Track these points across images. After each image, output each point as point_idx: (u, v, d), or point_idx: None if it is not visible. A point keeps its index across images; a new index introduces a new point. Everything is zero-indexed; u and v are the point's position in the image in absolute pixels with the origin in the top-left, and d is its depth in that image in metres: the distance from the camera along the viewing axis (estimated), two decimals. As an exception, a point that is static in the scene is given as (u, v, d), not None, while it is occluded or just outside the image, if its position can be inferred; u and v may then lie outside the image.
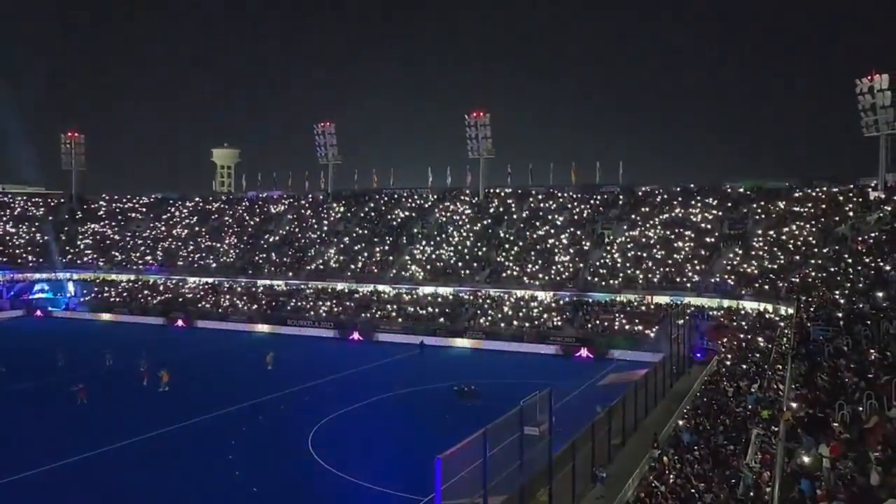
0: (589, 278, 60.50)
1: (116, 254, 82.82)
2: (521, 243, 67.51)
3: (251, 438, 30.78)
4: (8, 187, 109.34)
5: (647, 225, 65.30)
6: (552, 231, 68.10)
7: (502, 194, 76.56)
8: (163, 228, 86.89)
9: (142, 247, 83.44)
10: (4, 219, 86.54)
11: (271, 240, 78.88)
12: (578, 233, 66.78)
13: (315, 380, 42.95)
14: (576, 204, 71.63)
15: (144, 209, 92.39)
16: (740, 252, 58.54)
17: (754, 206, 64.09)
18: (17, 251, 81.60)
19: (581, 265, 62.29)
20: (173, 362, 47.17)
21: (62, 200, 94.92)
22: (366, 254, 71.73)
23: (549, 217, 70.64)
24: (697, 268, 58.27)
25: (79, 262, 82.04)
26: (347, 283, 68.48)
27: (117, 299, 75.10)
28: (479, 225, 72.31)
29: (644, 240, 63.51)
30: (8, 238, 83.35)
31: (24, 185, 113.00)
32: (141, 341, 55.76)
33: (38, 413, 35.18)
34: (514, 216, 72.57)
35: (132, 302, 73.87)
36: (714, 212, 64.92)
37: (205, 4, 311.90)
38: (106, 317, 71.59)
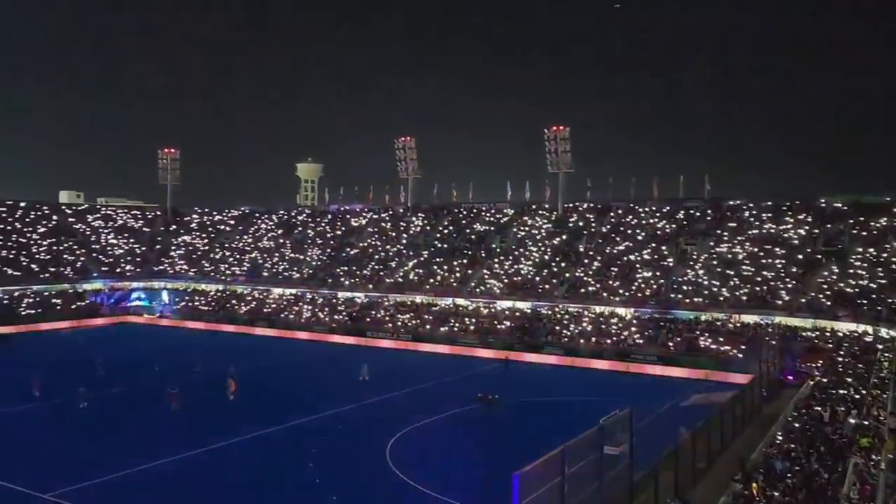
0: (672, 295, 58.80)
1: (206, 264, 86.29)
2: (600, 258, 66.37)
3: (331, 447, 31.27)
4: (110, 201, 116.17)
5: (735, 241, 63.00)
6: (633, 246, 66.64)
7: (581, 209, 75.59)
8: (249, 240, 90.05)
9: (230, 258, 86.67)
10: (106, 230, 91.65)
11: (352, 252, 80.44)
12: (662, 248, 65.07)
13: (395, 391, 43.34)
14: (658, 219, 69.90)
15: (233, 222, 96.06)
16: (836, 270, 55.63)
17: (851, 221, 60.86)
18: (118, 261, 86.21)
19: (663, 281, 60.64)
20: (257, 371, 48.71)
21: (158, 213, 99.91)
22: (445, 267, 72.12)
23: (630, 232, 69.19)
24: (789, 286, 55.72)
25: (172, 271, 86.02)
26: (426, 296, 69.00)
27: (207, 308, 78.17)
28: (557, 239, 71.59)
29: (731, 256, 61.29)
30: (109, 248, 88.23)
31: (123, 199, 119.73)
32: (228, 349, 57.87)
33: (132, 416, 36.91)
34: (594, 231, 71.47)
35: (220, 311, 76.72)
36: (807, 228, 62.01)
37: (290, 22, 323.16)
38: (196, 325, 74.55)
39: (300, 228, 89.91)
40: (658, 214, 70.42)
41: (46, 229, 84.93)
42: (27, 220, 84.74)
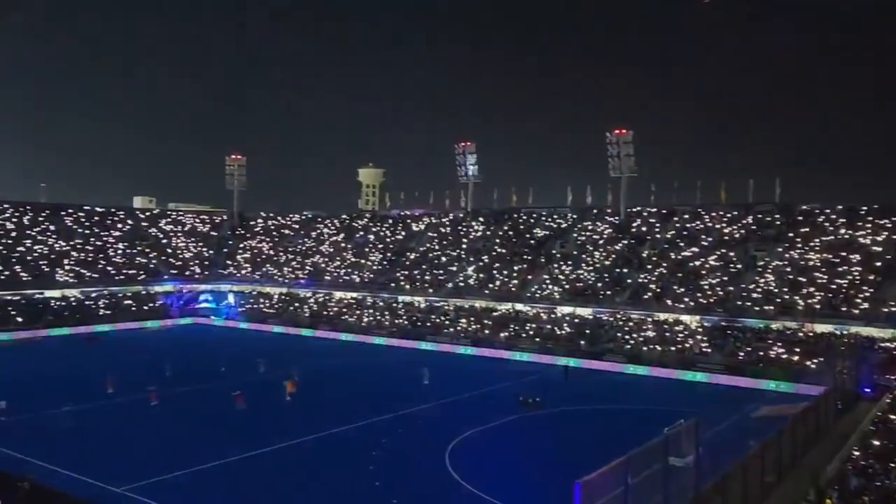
0: (740, 303, 56.98)
1: (270, 267, 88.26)
2: (664, 264, 64.87)
3: (391, 450, 31.44)
4: (180, 205, 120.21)
5: (807, 247, 60.62)
6: (699, 252, 64.89)
7: (645, 214, 74.11)
8: (312, 244, 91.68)
9: (293, 261, 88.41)
10: (177, 234, 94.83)
11: (412, 257, 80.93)
12: (730, 254, 63.14)
13: (455, 395, 43.31)
14: (726, 224, 67.89)
15: (296, 226, 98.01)
16: (917, 278, 52.87)
17: (934, 227, 57.77)
18: (187, 264, 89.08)
19: (731, 288, 58.82)
20: (319, 373, 49.45)
21: (225, 218, 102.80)
22: (504, 272, 71.80)
23: (696, 238, 67.40)
24: (866, 294, 53.26)
25: (238, 274, 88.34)
26: (486, 300, 68.82)
27: (271, 311, 79.89)
28: (619, 245, 70.35)
29: (803, 263, 59.00)
30: (179, 252, 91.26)
31: (193, 204, 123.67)
32: (290, 351, 58.96)
33: (198, 415, 37.96)
34: (658, 236, 69.93)
35: (284, 313, 78.29)
36: (886, 233, 59.15)
37: (351, 30, 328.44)
38: (260, 326, 76.25)
39: (361, 233, 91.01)
40: (726, 219, 68.38)
41: (121, 233, 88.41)
42: (104, 224, 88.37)
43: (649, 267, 65.25)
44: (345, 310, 75.42)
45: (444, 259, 78.34)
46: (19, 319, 67.21)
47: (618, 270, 66.28)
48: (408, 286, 75.27)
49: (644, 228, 71.88)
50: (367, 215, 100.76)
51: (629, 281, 64.26)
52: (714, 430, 31.18)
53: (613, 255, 68.86)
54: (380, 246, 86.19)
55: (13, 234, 78.62)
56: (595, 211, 77.43)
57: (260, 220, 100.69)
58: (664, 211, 73.14)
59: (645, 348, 55.98)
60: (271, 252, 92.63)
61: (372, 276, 79.81)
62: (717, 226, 67.97)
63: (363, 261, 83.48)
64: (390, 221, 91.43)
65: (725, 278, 60.24)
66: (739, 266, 61.38)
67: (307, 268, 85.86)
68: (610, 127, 74.31)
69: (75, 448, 30.73)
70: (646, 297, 61.40)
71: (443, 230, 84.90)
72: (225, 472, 28.17)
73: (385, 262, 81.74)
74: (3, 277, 71.21)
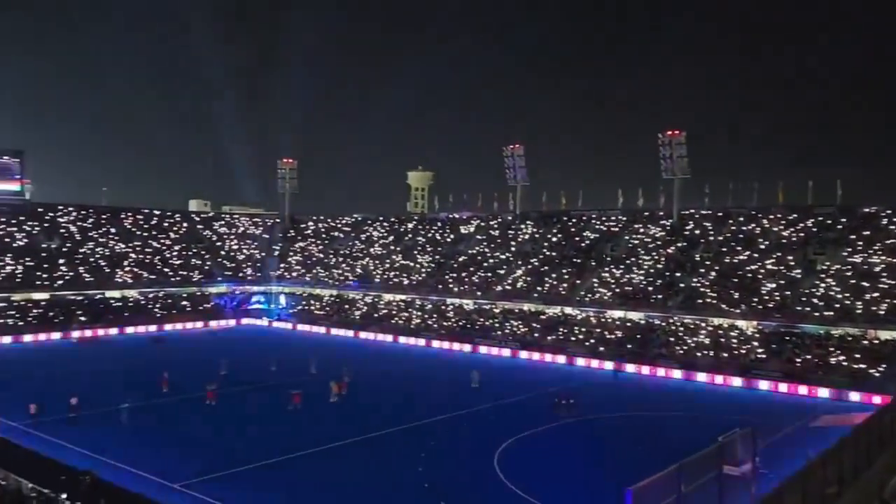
0: (799, 308, 55.26)
1: (321, 270, 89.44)
2: (719, 268, 63.36)
3: (439, 452, 31.47)
4: (234, 208, 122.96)
5: (871, 250, 58.42)
6: (755, 256, 63.17)
7: (698, 216, 72.51)
8: (361, 247, 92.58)
9: (343, 264, 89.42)
10: (230, 237, 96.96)
11: (461, 259, 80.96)
12: (788, 258, 61.30)
13: (503, 399, 43.11)
14: (783, 227, 65.95)
15: (346, 229, 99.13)
16: None
17: None
18: (240, 265, 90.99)
19: (789, 293, 57.09)
20: (369, 375, 49.84)
21: (277, 220, 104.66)
22: (553, 275, 71.22)
23: (753, 241, 65.64)
24: (933, 300, 51.04)
25: (289, 276, 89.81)
26: (534, 304, 68.38)
27: (321, 312, 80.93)
28: (672, 248, 69.02)
29: (866, 267, 56.88)
30: (232, 254, 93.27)
31: (246, 207, 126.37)
32: (340, 353, 59.56)
33: (252, 414, 38.66)
34: (712, 239, 68.35)
35: (334, 315, 79.22)
36: (955, 237, 56.62)
37: (401, 34, 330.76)
38: (311, 328, 77.29)
39: (410, 235, 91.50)
40: (784, 222, 66.43)
41: (177, 236, 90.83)
42: (161, 227, 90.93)
43: (702, 271, 63.84)
44: (394, 312, 75.88)
45: (492, 262, 78.14)
46: (82, 318, 69.66)
47: (670, 274, 65.06)
48: (456, 289, 75.32)
49: (697, 231, 70.37)
50: (415, 218, 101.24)
51: (682, 285, 63.00)
52: (771, 439, 30.29)
53: (665, 259, 67.62)
54: (428, 248, 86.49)
55: (77, 236, 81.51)
56: (646, 213, 76.18)
57: (310, 223, 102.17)
58: (719, 213, 71.45)
59: (698, 354, 54.77)
60: (321, 254, 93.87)
61: (420, 278, 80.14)
62: (775, 228, 66.08)
63: (412, 263, 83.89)
64: (439, 224, 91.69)
65: (783, 283, 58.51)
66: (798, 270, 59.55)
67: (357, 270, 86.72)
68: (662, 128, 73.11)
69: (134, 444, 31.62)
70: (699, 301, 60.10)
71: (491, 233, 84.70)
72: (275, 470, 28.61)
73: (434, 265, 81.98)
74: (67, 278, 73.88)
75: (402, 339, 69.31)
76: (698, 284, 62.16)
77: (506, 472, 28.67)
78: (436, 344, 66.89)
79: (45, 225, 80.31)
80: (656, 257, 68.41)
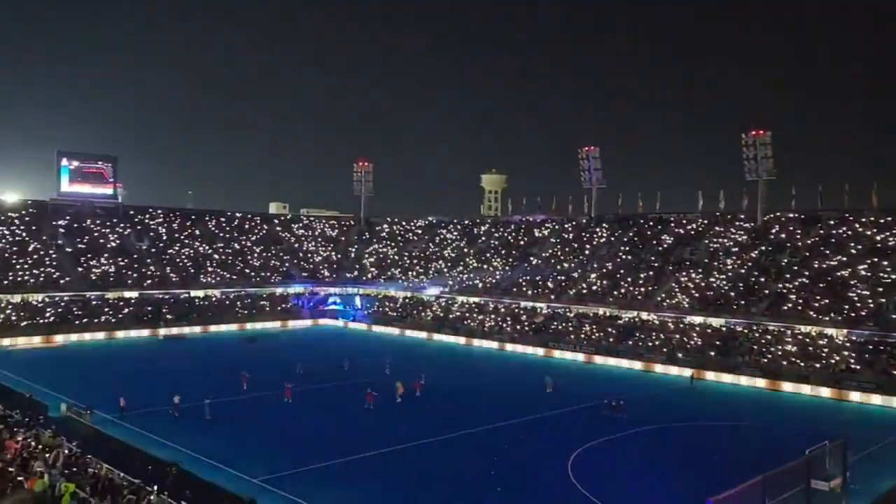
0: (895, 316, 52.21)
1: (395, 272, 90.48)
2: (806, 273, 60.59)
3: (513, 456, 31.25)
4: (311, 211, 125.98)
5: (975, 256, 54.62)
6: (846, 261, 60.06)
7: (784, 219, 69.52)
8: (435, 249, 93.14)
9: (417, 266, 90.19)
10: (308, 239, 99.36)
11: (535, 263, 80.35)
12: (882, 263, 58.00)
13: (578, 404, 42.48)
14: (878, 230, 62.46)
15: (420, 231, 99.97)
16: None
17: None
18: (317, 267, 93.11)
19: (884, 300, 54.01)
20: (442, 376, 50.03)
21: (352, 223, 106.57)
22: (629, 279, 69.75)
23: (844, 245, 62.44)
24: None
25: (364, 278, 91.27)
26: (610, 308, 67.14)
27: (394, 314, 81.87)
28: (756, 252, 66.43)
29: (970, 273, 53.22)
30: (310, 255, 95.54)
31: (322, 210, 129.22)
32: (413, 354, 59.94)
33: (329, 412, 39.42)
34: (799, 243, 65.42)
35: (407, 317, 79.99)
36: None
37: (476, 39, 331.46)
38: (385, 329, 78.23)
39: (483, 238, 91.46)
40: (877, 226, 62.94)
41: (257, 237, 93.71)
42: (242, 228, 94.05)
43: (789, 276, 61.19)
44: (467, 314, 75.98)
45: (566, 265, 77.19)
46: (169, 317, 72.78)
47: (753, 279, 62.65)
48: (530, 292, 74.80)
49: (783, 235, 67.50)
50: (489, 221, 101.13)
51: (766, 291, 60.56)
52: (864, 453, 28.74)
53: (749, 263, 65.16)
54: (502, 251, 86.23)
55: (164, 237, 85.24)
56: (728, 216, 73.63)
57: (385, 225, 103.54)
58: (806, 216, 68.32)
59: (784, 362, 52.51)
60: (396, 256, 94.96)
61: (494, 281, 79.96)
62: (868, 232, 62.70)
63: (485, 266, 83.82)
64: (512, 227, 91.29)
65: (880, 289, 55.40)
66: (894, 276, 56.29)
67: (430, 272, 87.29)
68: (746, 128, 70.53)
69: (216, 438, 32.75)
70: (785, 307, 57.62)
71: (565, 236, 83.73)
72: (348, 469, 29.04)
73: (507, 268, 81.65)
74: (155, 278, 77.35)
75: (475, 342, 69.28)
76: (784, 290, 59.62)
77: (580, 477, 28.20)
78: (509, 347, 66.56)
79: (136, 227, 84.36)
80: (739, 261, 66.01)
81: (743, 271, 64.30)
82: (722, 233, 71.52)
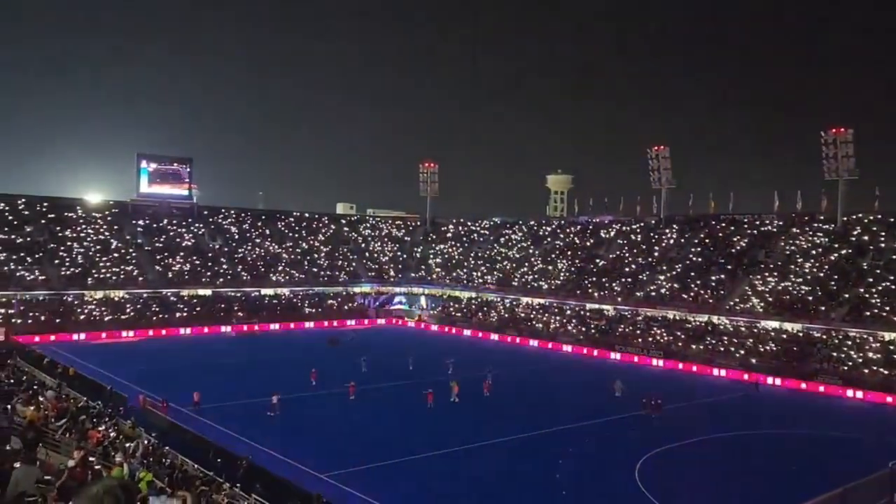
0: None
1: (460, 272, 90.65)
2: (891, 278, 57.62)
3: (579, 460, 30.86)
4: (378, 211, 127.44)
5: None
6: (935, 264, 56.84)
7: (867, 221, 66.29)
8: (500, 250, 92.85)
9: (482, 267, 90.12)
10: (374, 239, 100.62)
11: (601, 264, 79.13)
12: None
13: (646, 409, 41.57)
14: (970, 232, 58.89)
15: (486, 232, 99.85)
16: None
17: None
18: (383, 267, 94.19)
19: (976, 307, 50.89)
20: (508, 377, 49.81)
21: (418, 223, 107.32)
22: (699, 282, 67.87)
23: (932, 248, 59.10)
24: None
25: (429, 278, 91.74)
26: (679, 311, 65.50)
27: (459, 314, 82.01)
28: (835, 255, 63.58)
29: None
30: (376, 255, 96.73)
31: (388, 210, 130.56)
32: (479, 354, 59.98)
33: (393, 410, 39.79)
34: (883, 246, 62.26)
35: (472, 317, 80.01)
36: None
37: (538, 36, 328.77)
38: (450, 329, 78.45)
39: (549, 239, 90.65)
40: (969, 227, 59.35)
41: (325, 237, 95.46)
42: (311, 228, 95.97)
43: (871, 280, 58.35)
44: (532, 315, 75.46)
45: (634, 267, 75.73)
46: (240, 314, 74.94)
47: (833, 283, 60.01)
48: (596, 294, 73.70)
49: (866, 237, 64.37)
50: (555, 222, 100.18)
51: (846, 295, 57.91)
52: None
53: (828, 267, 62.44)
54: (568, 253, 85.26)
55: (236, 237, 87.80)
56: (806, 217, 70.74)
57: (450, 226, 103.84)
58: (892, 218, 64.97)
59: (865, 370, 50.12)
60: (461, 257, 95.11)
61: (559, 282, 79.16)
62: (959, 235, 59.21)
63: (550, 267, 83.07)
64: (578, 228, 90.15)
65: (969, 295, 52.28)
66: None
67: (495, 273, 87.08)
68: (825, 126, 67.58)
69: (284, 433, 33.53)
70: (867, 313, 54.98)
71: (633, 237, 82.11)
72: (411, 467, 29.24)
73: (573, 269, 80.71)
74: (228, 276, 79.76)
75: (540, 343, 68.72)
76: (866, 295, 56.88)
77: (647, 484, 27.60)
78: (574, 349, 65.77)
79: (210, 227, 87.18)
80: (817, 264, 63.34)
81: (822, 275, 61.67)
82: (799, 234, 68.77)
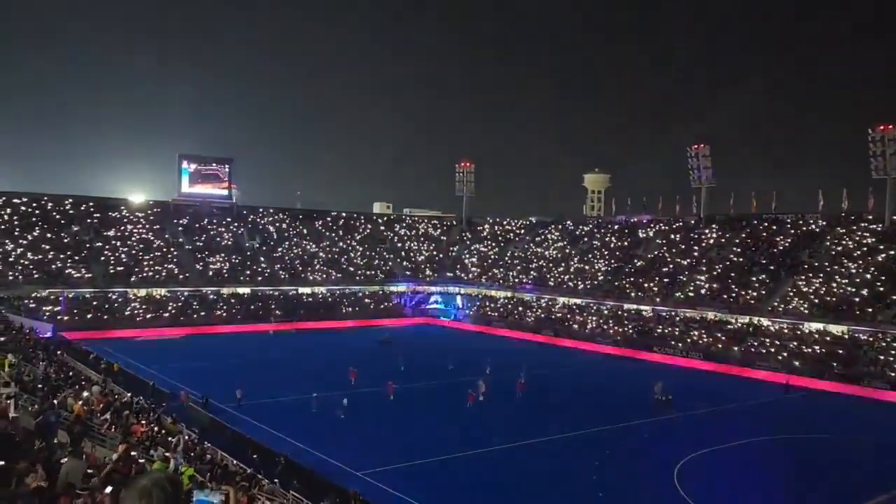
0: None
1: (496, 272, 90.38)
2: (942, 279, 55.77)
3: (616, 461, 30.53)
4: (414, 211, 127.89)
5: None
6: None
7: (917, 220, 64.27)
8: (537, 250, 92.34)
9: (518, 266, 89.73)
10: (410, 238, 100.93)
11: (639, 264, 78.17)
12: None
13: (685, 411, 40.96)
14: None
15: (522, 231, 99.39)
16: None
17: None
18: (419, 266, 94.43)
19: None
20: (545, 378, 49.55)
21: (454, 223, 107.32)
22: (741, 283, 66.54)
23: None
24: None
25: (465, 277, 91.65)
26: (720, 312, 64.33)
27: (495, 314, 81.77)
28: (883, 255, 61.75)
29: None
30: (412, 254, 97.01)
31: (424, 209, 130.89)
32: (515, 354, 59.75)
33: (430, 409, 39.86)
34: (934, 246, 60.29)
35: (508, 317, 79.72)
36: None
37: (575, 37, 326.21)
38: (486, 329, 78.22)
39: (586, 239, 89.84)
40: None
41: (362, 236, 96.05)
42: (347, 227, 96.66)
43: (921, 281, 56.53)
44: (569, 316, 74.89)
45: (673, 267, 74.61)
46: (278, 313, 75.81)
47: (880, 284, 58.30)
48: (634, 294, 72.82)
49: (915, 237, 62.43)
50: (592, 221, 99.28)
51: (894, 297, 56.19)
52: None
53: (874, 268, 60.68)
54: (605, 252, 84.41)
55: (275, 236, 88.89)
56: (852, 217, 68.88)
57: (486, 226, 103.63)
58: (942, 217, 62.93)
59: (915, 375, 48.60)
60: (497, 256, 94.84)
61: (597, 282, 78.42)
62: None
63: (587, 267, 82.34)
64: (616, 227, 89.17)
65: None
66: None
67: (532, 273, 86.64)
68: (873, 123, 65.69)
69: (322, 431, 33.80)
70: (916, 315, 53.31)
71: (672, 237, 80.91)
72: (448, 466, 29.24)
73: (610, 269, 79.87)
74: (266, 275, 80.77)
75: (578, 344, 68.12)
76: (916, 297, 55.13)
77: (687, 487, 27.15)
78: (612, 350, 65.06)
79: (249, 226, 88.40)
80: (864, 265, 61.61)
81: (868, 276, 59.97)
82: (845, 234, 66.99)
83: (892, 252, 61.58)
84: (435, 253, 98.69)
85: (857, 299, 57.70)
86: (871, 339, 53.78)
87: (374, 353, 58.98)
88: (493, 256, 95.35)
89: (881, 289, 57.68)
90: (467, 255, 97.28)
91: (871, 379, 49.71)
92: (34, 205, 75.86)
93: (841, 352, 53.65)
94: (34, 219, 74.24)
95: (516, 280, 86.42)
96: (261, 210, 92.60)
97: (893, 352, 51.40)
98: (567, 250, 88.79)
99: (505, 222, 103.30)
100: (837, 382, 50.25)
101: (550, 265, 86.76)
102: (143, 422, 24.33)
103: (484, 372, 48.96)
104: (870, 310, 55.99)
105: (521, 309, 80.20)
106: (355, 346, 62.89)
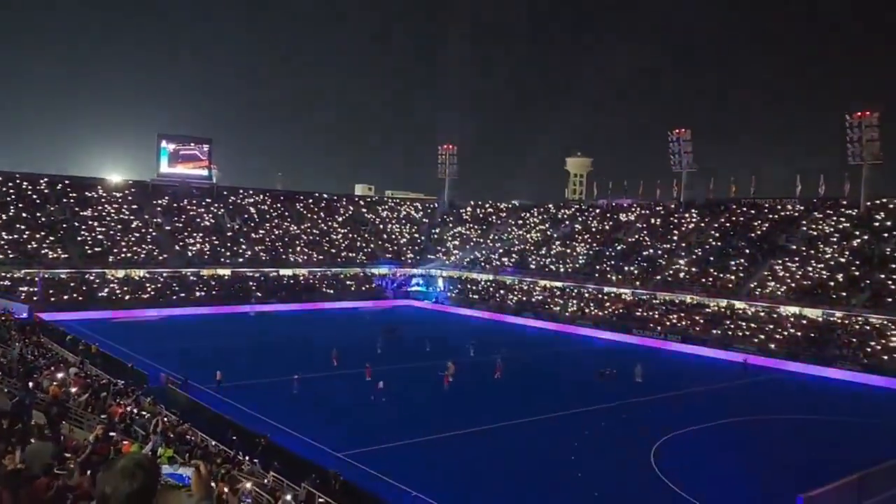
0: None
1: (478, 255, 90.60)
2: (915, 264, 56.78)
3: (595, 442, 30.97)
4: (396, 193, 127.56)
5: None
6: (960, 251, 55.95)
7: (891, 206, 65.25)
8: (518, 233, 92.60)
9: (499, 249, 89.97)
10: (392, 220, 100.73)
11: (619, 248, 78.73)
12: None
13: (662, 392, 41.57)
14: None
15: (504, 214, 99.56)
16: None
17: None
18: (401, 248, 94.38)
19: None
20: (524, 360, 49.97)
21: (437, 205, 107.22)
22: (719, 266, 67.32)
23: (957, 234, 58.12)
24: None
25: (447, 260, 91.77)
26: (698, 296, 65.10)
27: (476, 297, 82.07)
28: (857, 241, 62.73)
29: None
30: (394, 237, 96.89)
31: (407, 192, 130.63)
32: (495, 337, 60.13)
33: (406, 391, 40.06)
34: (907, 231, 61.29)
35: (489, 300, 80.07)
36: None
37: (561, 22, 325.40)
38: (467, 311, 78.53)
39: (567, 222, 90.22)
40: None
41: (343, 218, 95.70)
42: (329, 209, 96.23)
43: (894, 266, 57.56)
44: (549, 299, 75.37)
45: (653, 251, 75.25)
46: (259, 294, 75.53)
47: (854, 268, 59.29)
48: (614, 277, 73.41)
49: (889, 223, 63.42)
50: (573, 205, 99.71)
51: (868, 281, 57.20)
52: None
53: (849, 252, 61.64)
54: (586, 236, 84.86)
55: (255, 217, 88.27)
56: (828, 202, 69.80)
57: (469, 208, 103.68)
58: (916, 203, 63.94)
59: (885, 357, 49.61)
60: (479, 239, 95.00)
61: (578, 266, 78.89)
62: None
63: (569, 250, 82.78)
64: (597, 211, 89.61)
65: None
66: None
67: (513, 256, 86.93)
68: (850, 109, 66.38)
69: (302, 412, 33.92)
70: (889, 299, 54.31)
71: (653, 221, 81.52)
72: (428, 448, 29.51)
73: (591, 253, 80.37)
74: (247, 256, 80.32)
75: (558, 327, 68.66)
76: (888, 281, 56.17)
77: (663, 467, 27.67)
78: (592, 333, 65.64)
79: (229, 207, 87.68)
80: (839, 250, 62.58)
81: (843, 260, 60.95)
82: (821, 219, 67.93)
83: (866, 237, 62.58)
84: (417, 235, 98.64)
85: (831, 283, 58.64)
86: (845, 322, 54.75)
87: (353, 334, 58.98)
88: (475, 239, 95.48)
89: (856, 273, 58.66)
90: (449, 238, 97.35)
91: (843, 361, 50.66)
92: (9, 184, 74.58)
93: (815, 335, 54.59)
94: (9, 198, 73.00)
95: (498, 263, 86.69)
96: (241, 191, 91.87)
97: (865, 334, 52.40)
98: (548, 233, 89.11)
99: (487, 205, 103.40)
100: (811, 364, 51.13)
101: (532, 248, 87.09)
102: (122, 403, 24.25)
103: (457, 354, 49.13)
104: (844, 294, 56.94)
105: (502, 292, 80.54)
106: (336, 329, 62.86)
